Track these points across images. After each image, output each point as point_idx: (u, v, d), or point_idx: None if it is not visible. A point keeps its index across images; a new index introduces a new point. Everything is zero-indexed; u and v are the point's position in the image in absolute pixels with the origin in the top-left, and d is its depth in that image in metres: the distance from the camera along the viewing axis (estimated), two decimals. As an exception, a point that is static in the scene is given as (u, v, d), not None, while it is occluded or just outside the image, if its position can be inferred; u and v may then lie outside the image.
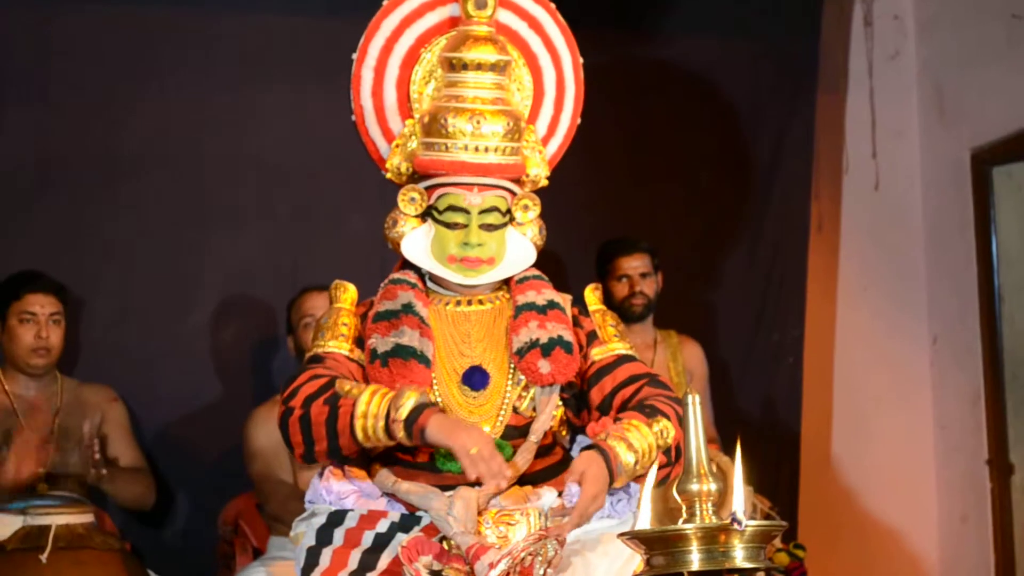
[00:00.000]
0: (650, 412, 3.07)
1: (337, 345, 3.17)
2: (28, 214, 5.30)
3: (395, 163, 3.25)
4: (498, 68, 3.20)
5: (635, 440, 3.01)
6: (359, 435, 2.96)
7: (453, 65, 3.19)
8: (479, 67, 3.18)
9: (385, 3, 3.31)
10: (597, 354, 3.23)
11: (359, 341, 3.18)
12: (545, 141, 3.36)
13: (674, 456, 3.07)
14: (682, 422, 3.05)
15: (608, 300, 5.41)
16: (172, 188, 5.44)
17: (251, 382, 5.51)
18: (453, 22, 3.28)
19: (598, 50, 5.73)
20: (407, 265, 3.27)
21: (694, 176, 6.13)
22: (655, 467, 2.89)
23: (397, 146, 3.26)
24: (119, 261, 5.36)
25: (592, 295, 3.33)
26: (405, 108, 3.30)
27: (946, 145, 6.51)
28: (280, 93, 5.55)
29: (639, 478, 3.08)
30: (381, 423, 2.93)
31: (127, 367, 5.27)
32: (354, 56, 3.31)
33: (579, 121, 3.40)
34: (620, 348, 3.25)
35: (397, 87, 3.31)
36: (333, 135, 5.54)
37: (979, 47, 6.30)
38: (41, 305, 4.77)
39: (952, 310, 6.49)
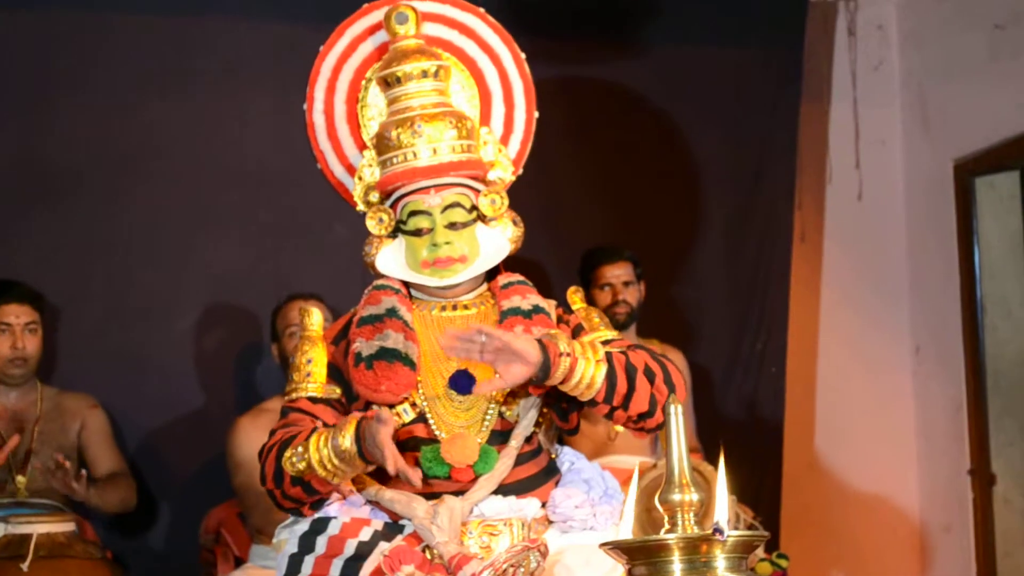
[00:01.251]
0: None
1: (304, 387, 3.19)
2: (12, 220, 5.29)
3: (360, 194, 3.29)
4: (431, 74, 3.22)
5: (578, 344, 2.99)
6: (344, 479, 3.03)
7: (389, 82, 3.23)
8: (412, 77, 3.21)
9: (321, 48, 3.36)
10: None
11: (332, 368, 3.19)
12: (505, 139, 3.38)
13: (665, 388, 3.05)
14: (656, 357, 3.06)
15: (591, 308, 5.41)
16: (156, 195, 5.44)
17: (234, 390, 5.50)
18: (385, 48, 3.32)
19: (581, 59, 5.80)
20: None
21: (677, 185, 6.13)
22: (636, 476, 2.89)
23: (360, 179, 3.30)
24: (103, 267, 5.36)
25: (574, 296, 3.33)
26: (360, 141, 3.34)
27: (929, 155, 6.52)
28: (266, 101, 5.55)
29: (626, 395, 3.05)
30: (349, 471, 2.99)
31: (110, 374, 5.27)
32: (305, 107, 3.36)
33: (536, 114, 3.39)
34: (606, 334, 3.24)
35: (348, 122, 3.36)
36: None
37: (962, 57, 6.32)
38: (16, 315, 4.78)
39: (934, 320, 6.51)
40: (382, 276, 3.25)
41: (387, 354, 3.08)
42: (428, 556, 2.97)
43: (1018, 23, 6.06)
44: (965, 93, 6.31)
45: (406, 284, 3.26)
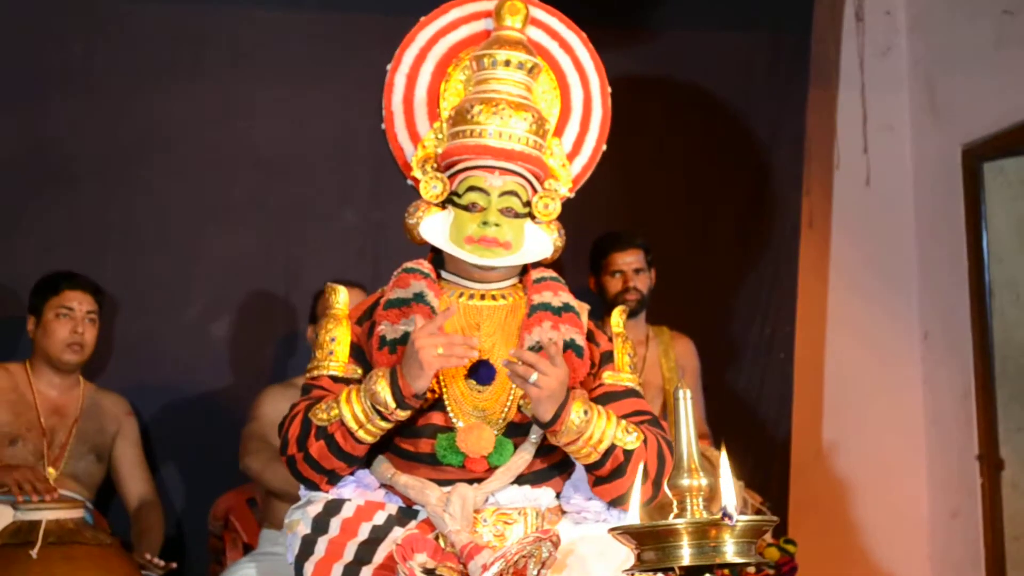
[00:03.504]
0: (629, 424, 3.11)
1: (326, 365, 3.21)
2: (25, 209, 5.30)
3: (419, 161, 3.31)
4: (526, 68, 3.28)
5: (596, 418, 3.04)
6: (369, 439, 3.04)
7: (483, 63, 3.27)
8: (508, 63, 3.26)
9: (423, 18, 3.41)
10: (608, 378, 3.26)
11: (355, 348, 3.20)
12: (570, 158, 3.41)
13: (651, 489, 3.09)
14: (661, 453, 3.10)
15: (601, 295, 5.42)
16: (165, 182, 5.44)
17: (244, 376, 5.50)
18: (485, 35, 3.38)
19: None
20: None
21: (686, 171, 6.12)
22: (642, 465, 2.91)
23: (423, 146, 3.33)
24: (114, 255, 5.36)
25: (619, 318, 3.36)
26: (434, 113, 3.37)
27: (937, 140, 6.51)
28: (275, 88, 5.55)
29: (599, 475, 3.10)
30: (379, 422, 3.01)
31: (120, 362, 5.28)
32: (388, 67, 3.38)
33: (604, 148, 3.45)
34: (630, 381, 3.28)
35: (428, 93, 3.38)
36: (327, 130, 5.56)
37: (970, 43, 6.31)
38: (79, 302, 4.81)
39: (943, 305, 6.50)
40: (415, 238, 3.26)
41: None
42: (441, 544, 2.98)
43: (1026, 9, 6.06)
44: (973, 78, 6.30)
45: (436, 268, 3.27)
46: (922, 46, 6.62)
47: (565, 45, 3.45)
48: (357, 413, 3.00)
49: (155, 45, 5.48)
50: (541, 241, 3.26)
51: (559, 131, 3.41)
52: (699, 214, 6.15)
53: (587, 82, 3.45)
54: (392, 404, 2.98)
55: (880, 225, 6.66)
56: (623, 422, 3.09)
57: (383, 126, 3.38)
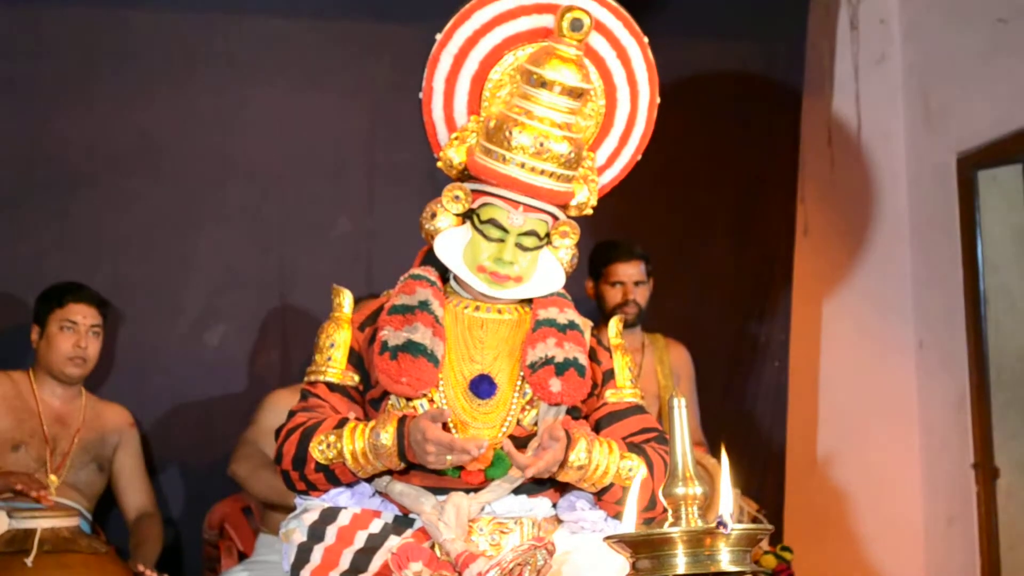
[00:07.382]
0: (633, 448, 3.13)
1: (324, 371, 3.20)
2: (16, 215, 5.29)
3: (449, 155, 3.24)
4: (575, 94, 3.16)
5: (597, 452, 3.05)
6: (367, 476, 3.08)
7: (532, 79, 3.15)
8: (557, 87, 3.14)
9: None
10: (611, 396, 3.26)
11: (353, 354, 3.20)
12: (601, 171, 3.37)
13: (648, 503, 3.09)
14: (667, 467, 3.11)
15: (599, 302, 5.41)
16: (159, 190, 5.43)
17: (238, 385, 5.50)
18: (545, 33, 3.25)
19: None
20: (428, 260, 3.28)
21: (680, 179, 6.12)
22: (638, 478, 2.91)
23: (456, 139, 3.25)
24: (106, 262, 5.35)
25: (616, 327, 3.36)
26: (475, 102, 3.29)
27: (932, 149, 6.51)
28: (269, 95, 5.55)
29: (602, 500, 3.12)
30: (380, 467, 3.04)
31: (115, 370, 5.27)
32: (438, 36, 3.28)
33: (639, 158, 3.41)
34: (633, 396, 3.28)
35: (472, 80, 3.29)
36: (321, 137, 5.55)
37: (965, 51, 6.31)
38: (83, 315, 4.80)
39: (938, 314, 6.50)
40: (431, 243, 3.23)
41: (413, 347, 3.07)
42: (437, 553, 2.97)
43: (1020, 17, 6.05)
44: (968, 87, 6.30)
45: (442, 275, 3.26)
46: (917, 54, 6.62)
47: (623, 55, 3.32)
48: (359, 458, 3.02)
49: (150, 53, 5.47)
50: (554, 270, 3.24)
51: (595, 146, 3.35)
52: (693, 222, 6.15)
53: (636, 97, 3.36)
54: (396, 462, 3.01)
55: (875, 233, 6.66)
56: (625, 460, 3.09)
57: (420, 96, 3.31)
